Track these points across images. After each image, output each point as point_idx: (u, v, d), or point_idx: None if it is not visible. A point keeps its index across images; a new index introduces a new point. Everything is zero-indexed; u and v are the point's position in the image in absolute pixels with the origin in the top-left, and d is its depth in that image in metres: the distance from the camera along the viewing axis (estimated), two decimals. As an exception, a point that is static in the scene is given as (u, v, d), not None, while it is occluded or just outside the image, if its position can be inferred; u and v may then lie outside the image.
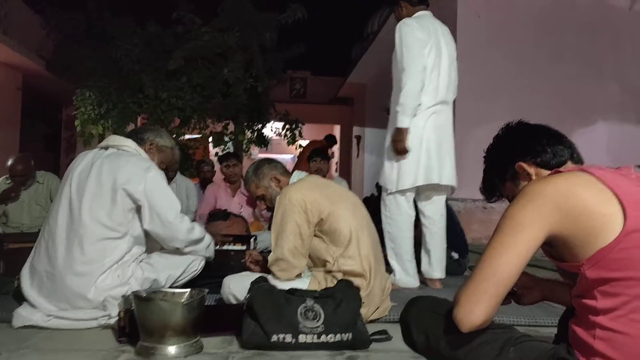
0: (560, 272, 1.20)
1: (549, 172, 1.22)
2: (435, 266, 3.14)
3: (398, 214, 3.03)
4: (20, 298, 2.10)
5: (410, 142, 2.94)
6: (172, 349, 1.68)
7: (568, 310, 1.40)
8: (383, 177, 3.10)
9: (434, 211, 3.16)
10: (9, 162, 4.26)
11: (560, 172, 1.16)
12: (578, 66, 6.52)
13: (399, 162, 2.99)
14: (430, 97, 2.99)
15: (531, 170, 1.26)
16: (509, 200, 1.30)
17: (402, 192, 3.02)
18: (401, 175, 2.99)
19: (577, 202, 1.06)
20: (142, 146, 2.33)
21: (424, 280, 3.16)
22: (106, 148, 2.27)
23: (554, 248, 1.13)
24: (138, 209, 2.13)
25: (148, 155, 2.33)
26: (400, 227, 3.02)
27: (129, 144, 2.29)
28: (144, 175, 2.13)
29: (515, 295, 1.46)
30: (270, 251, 2.22)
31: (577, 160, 1.26)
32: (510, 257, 1.09)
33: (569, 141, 1.28)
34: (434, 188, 3.12)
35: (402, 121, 2.91)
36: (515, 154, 1.28)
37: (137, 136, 2.35)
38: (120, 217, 2.09)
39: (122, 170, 2.12)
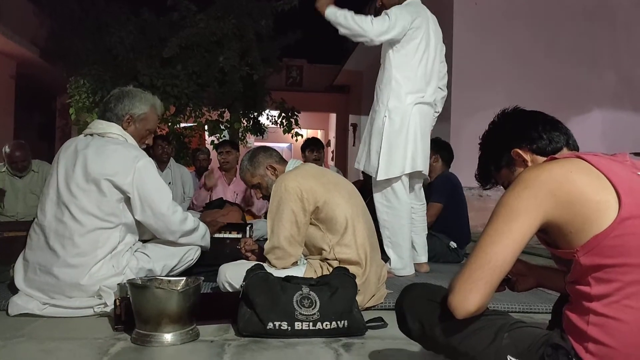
0: (554, 259, 1.21)
1: (544, 158, 1.21)
2: (420, 251, 3.25)
3: (396, 202, 3.02)
4: (15, 287, 2.09)
5: (398, 128, 2.94)
6: (168, 337, 1.69)
7: (562, 296, 1.41)
8: (369, 166, 3.06)
9: (417, 199, 3.22)
10: (7, 150, 4.26)
11: (555, 158, 1.16)
12: (573, 55, 6.51)
13: (387, 149, 2.96)
14: (416, 83, 2.98)
15: (527, 156, 1.25)
16: (504, 187, 1.30)
17: (397, 178, 3.01)
18: (391, 162, 2.96)
19: (572, 189, 1.06)
20: (121, 123, 2.20)
21: None
22: (91, 135, 2.18)
23: (549, 235, 1.13)
24: (128, 200, 2.08)
25: (129, 130, 2.21)
26: (398, 215, 3.02)
27: (114, 130, 2.18)
28: (132, 166, 2.06)
29: (509, 282, 1.47)
30: (266, 239, 2.22)
31: (573, 146, 1.26)
32: (505, 244, 1.09)
33: (564, 127, 1.28)
34: (417, 176, 3.15)
35: (334, 13, 2.85)
36: (511, 141, 1.28)
37: (113, 113, 2.20)
38: (110, 208, 2.04)
39: (108, 162, 2.05)
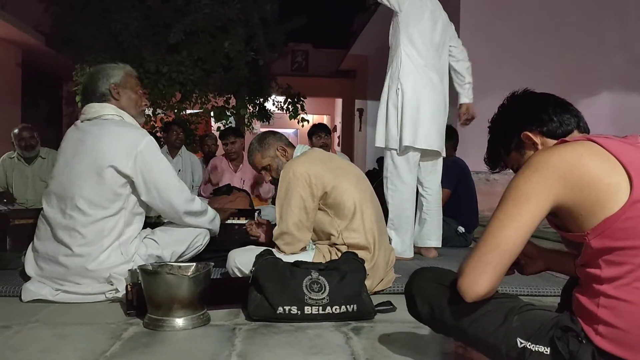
0: (564, 242, 1.21)
1: (555, 141, 1.20)
2: (431, 235, 3.23)
3: (401, 184, 3.03)
4: (27, 274, 2.12)
5: (408, 102, 2.97)
6: (179, 321, 1.71)
7: (571, 279, 1.42)
8: (382, 138, 3.09)
9: (433, 182, 3.22)
10: (15, 132, 4.35)
11: (566, 141, 1.15)
12: (582, 37, 6.43)
13: (400, 119, 2.99)
14: (425, 56, 3.02)
15: (537, 139, 1.24)
16: (514, 170, 1.30)
17: (406, 158, 3.01)
18: (403, 131, 2.99)
19: (583, 172, 1.05)
20: (110, 101, 2.15)
21: (418, 250, 3.20)
22: (89, 120, 2.13)
23: (559, 218, 1.13)
24: (132, 183, 2.06)
25: (122, 101, 2.16)
26: (402, 198, 3.03)
27: (108, 110, 2.12)
28: (134, 149, 2.03)
29: (518, 265, 1.47)
30: (274, 226, 2.23)
31: (584, 129, 1.25)
32: (515, 228, 1.09)
33: (575, 110, 1.26)
34: (434, 156, 3.15)
35: None
36: (521, 123, 1.26)
37: (98, 94, 2.14)
38: (114, 195, 2.02)
39: (108, 148, 2.01)
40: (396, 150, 3.03)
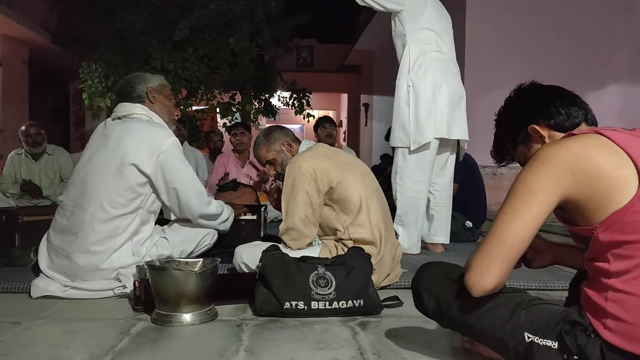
0: (572, 236, 1.20)
1: (562, 134, 1.19)
2: (439, 231, 3.21)
3: (410, 181, 3.00)
4: (37, 269, 2.14)
5: (420, 95, 2.95)
6: (187, 317, 1.72)
7: (579, 273, 1.41)
8: (395, 135, 3.04)
9: (443, 179, 3.20)
10: (22, 129, 4.41)
11: (574, 134, 1.14)
12: (590, 29, 6.38)
13: (415, 115, 2.95)
14: (432, 46, 3.01)
15: (544, 132, 1.23)
16: (521, 164, 1.29)
17: (419, 155, 2.99)
18: (420, 128, 2.95)
19: (591, 166, 1.05)
20: (144, 103, 2.21)
21: (425, 246, 3.19)
22: (119, 118, 2.19)
23: (567, 212, 1.12)
24: (151, 183, 2.09)
25: (156, 105, 2.23)
26: (411, 195, 3.01)
27: (139, 110, 2.18)
28: (157, 149, 2.06)
29: (525, 258, 1.47)
30: (280, 221, 2.24)
31: (592, 122, 1.24)
32: (522, 222, 1.09)
33: (583, 102, 1.25)
34: (447, 153, 3.13)
35: None
36: (528, 116, 1.25)
37: (134, 95, 2.21)
38: (133, 193, 2.04)
39: (133, 146, 2.04)
40: (408, 147, 2.99)
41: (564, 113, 1.22)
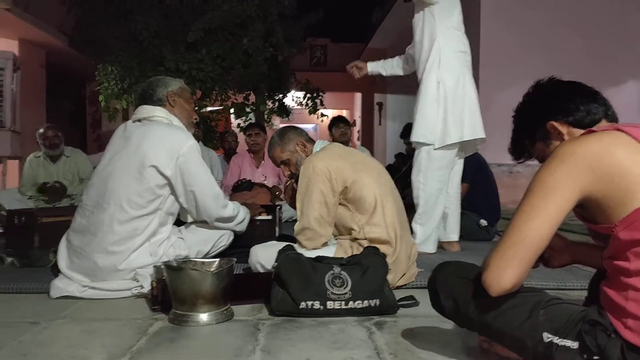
0: (591, 234, 1.18)
1: (581, 131, 1.17)
2: (453, 229, 3.22)
3: (433, 180, 2.99)
4: (56, 270, 2.17)
5: (449, 93, 2.94)
6: (204, 317, 1.73)
7: (598, 272, 1.39)
8: (419, 132, 3.00)
9: (455, 176, 3.19)
10: (40, 131, 4.48)
11: (593, 131, 1.12)
12: (606, 26, 6.29)
13: (444, 113, 2.94)
14: (459, 44, 3.02)
15: (563, 129, 1.21)
16: (539, 161, 1.27)
17: (444, 153, 2.98)
18: (447, 128, 2.94)
19: (611, 163, 1.03)
20: (165, 106, 2.24)
21: (441, 245, 3.18)
22: (139, 120, 2.21)
23: (586, 210, 1.11)
24: (170, 185, 2.11)
25: (176, 109, 2.26)
26: (433, 194, 3.00)
27: (159, 112, 2.20)
28: (176, 151, 2.08)
29: (543, 258, 1.45)
30: (295, 220, 2.24)
31: (612, 118, 1.21)
32: (540, 221, 1.07)
33: (603, 98, 1.23)
34: (460, 151, 3.11)
35: None
36: (547, 113, 1.23)
37: (155, 99, 2.24)
38: (152, 194, 2.06)
39: (152, 148, 2.06)
40: (433, 145, 2.97)
41: (583, 109, 1.20)
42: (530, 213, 1.09)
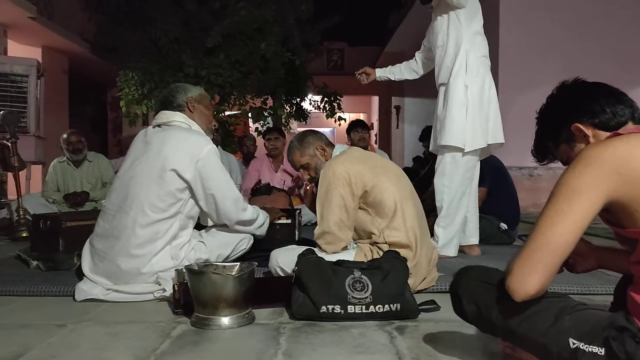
0: (618, 239, 1.16)
1: (607, 133, 1.16)
2: (473, 232, 3.21)
3: (458, 184, 2.99)
4: (80, 273, 2.20)
5: (475, 98, 2.95)
6: (225, 320, 1.74)
7: (625, 277, 1.37)
8: (448, 136, 2.98)
9: (474, 180, 3.17)
10: (64, 136, 4.58)
11: (619, 134, 1.10)
12: (632, 25, 6.18)
13: (472, 118, 2.94)
14: (485, 47, 3.04)
15: (588, 131, 1.19)
16: (563, 163, 1.25)
17: (469, 158, 2.98)
18: (475, 132, 2.94)
19: (638, 166, 1.02)
20: (184, 111, 2.28)
21: (461, 249, 3.15)
22: (159, 126, 2.25)
23: (612, 214, 1.09)
24: (190, 189, 2.13)
25: (195, 114, 2.29)
26: (456, 197, 3.00)
27: (178, 118, 2.24)
28: (196, 155, 2.11)
29: (568, 263, 1.43)
30: (314, 224, 2.24)
31: (639, 120, 1.19)
32: (565, 225, 1.06)
33: (630, 100, 1.20)
34: (481, 153, 3.10)
35: None
36: (571, 115, 1.21)
37: (175, 104, 2.28)
38: (173, 198, 2.09)
39: (172, 152, 2.09)
40: (463, 149, 2.96)
41: (609, 111, 1.18)
42: (555, 217, 1.07)
